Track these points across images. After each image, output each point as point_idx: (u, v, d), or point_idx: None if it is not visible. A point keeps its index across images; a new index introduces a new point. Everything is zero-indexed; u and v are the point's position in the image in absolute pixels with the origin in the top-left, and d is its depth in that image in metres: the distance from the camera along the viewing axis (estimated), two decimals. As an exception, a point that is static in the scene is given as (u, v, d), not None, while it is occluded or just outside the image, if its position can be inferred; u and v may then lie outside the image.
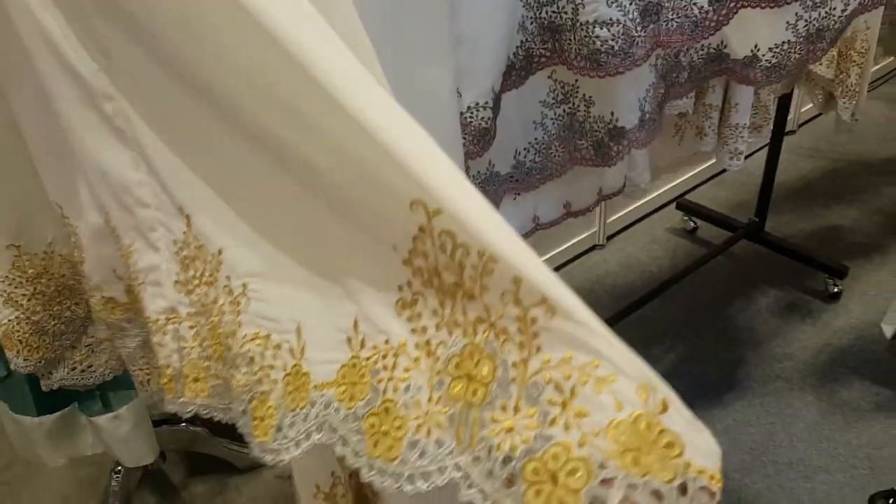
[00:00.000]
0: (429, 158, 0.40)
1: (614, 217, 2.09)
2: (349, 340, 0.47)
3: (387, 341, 0.45)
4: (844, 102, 1.51)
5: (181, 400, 0.59)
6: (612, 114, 0.81)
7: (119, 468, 1.41)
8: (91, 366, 0.88)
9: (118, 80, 0.51)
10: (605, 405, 0.36)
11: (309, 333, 0.49)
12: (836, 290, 1.82)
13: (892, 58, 2.61)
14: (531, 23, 0.76)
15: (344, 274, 0.46)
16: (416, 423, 0.42)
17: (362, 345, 0.46)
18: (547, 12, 0.75)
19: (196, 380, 0.59)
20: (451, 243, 0.39)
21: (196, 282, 0.56)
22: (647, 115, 0.82)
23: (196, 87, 0.45)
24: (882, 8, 1.40)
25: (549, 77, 0.87)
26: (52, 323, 0.81)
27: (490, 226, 0.39)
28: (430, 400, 0.42)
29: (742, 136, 1.25)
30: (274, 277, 0.50)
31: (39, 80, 0.56)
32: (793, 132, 2.50)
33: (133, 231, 0.58)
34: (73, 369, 0.87)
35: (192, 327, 0.58)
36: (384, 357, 0.45)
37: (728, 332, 1.76)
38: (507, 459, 0.38)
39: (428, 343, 0.43)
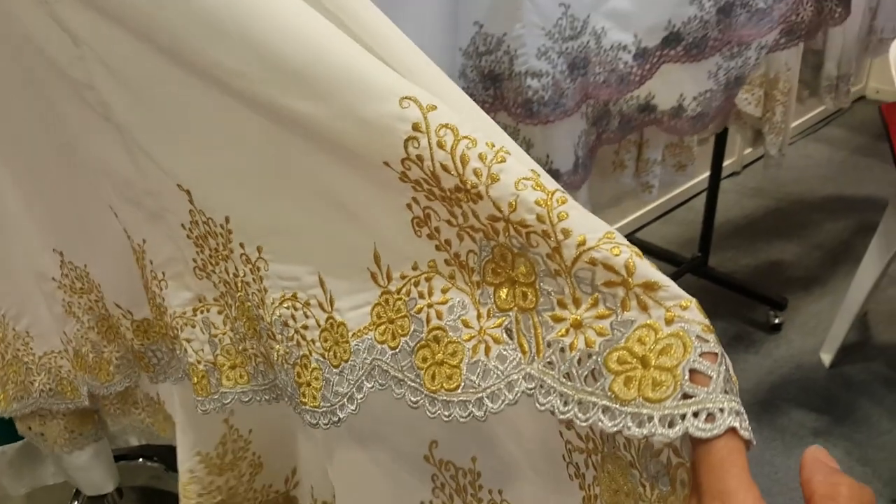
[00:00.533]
0: (420, 60, 0.38)
1: (568, 253, 2.16)
2: (374, 277, 0.43)
3: (415, 266, 0.41)
4: (772, 139, 1.61)
5: (221, 391, 0.56)
6: (548, 156, 0.88)
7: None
8: (43, 434, 0.89)
9: (92, 66, 0.48)
10: (670, 282, 0.33)
11: (332, 282, 0.46)
12: (777, 321, 1.91)
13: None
14: (472, 70, 0.83)
15: (350, 209, 0.43)
16: (471, 343, 0.39)
17: (389, 277, 0.43)
18: (487, 61, 0.82)
19: (233, 367, 0.55)
20: (454, 136, 0.35)
21: (213, 260, 0.53)
22: (580, 160, 0.89)
23: (170, 51, 0.41)
24: (801, 49, 1.51)
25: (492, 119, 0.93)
26: (10, 386, 0.80)
27: (494, 126, 0.37)
28: (479, 316, 0.39)
29: (653, 171, 1.34)
30: (284, 234, 0.48)
31: (42, 91, 0.54)
32: (737, 173, 2.62)
33: (145, 224, 0.55)
34: (29, 429, 0.89)
35: (220, 311, 0.55)
36: (417, 284, 0.41)
37: (676, 363, 1.83)
38: (584, 357, 0.34)
39: (457, 256, 0.39)
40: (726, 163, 2.37)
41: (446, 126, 0.35)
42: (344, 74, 0.35)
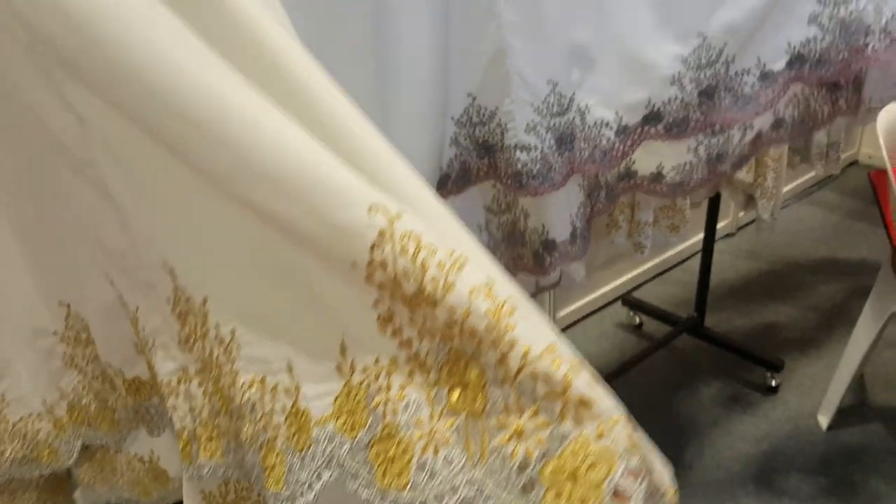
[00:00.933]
0: (389, 160, 0.40)
1: (564, 312, 2.19)
2: (339, 367, 0.46)
3: (377, 360, 0.44)
4: (764, 203, 1.65)
5: (198, 462, 0.58)
6: (544, 226, 0.90)
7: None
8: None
9: (93, 145, 0.51)
10: (605, 397, 0.35)
11: (300, 369, 0.48)
12: (773, 383, 1.92)
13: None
14: (465, 139, 0.86)
15: (322, 301, 0.45)
16: (421, 443, 0.41)
17: (352, 369, 0.45)
18: (480, 131, 0.85)
19: (210, 439, 0.57)
20: (416, 245, 0.38)
21: (193, 337, 0.55)
22: (579, 231, 0.92)
23: (166, 146, 0.44)
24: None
25: (492, 186, 0.97)
26: None
27: (459, 230, 0.40)
28: (431, 416, 0.41)
29: (645, 232, 1.38)
30: (258, 318, 0.50)
31: (38, 163, 0.57)
32: (732, 235, 2.66)
33: (138, 293, 0.58)
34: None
35: (200, 384, 0.58)
36: (377, 378, 0.44)
37: (672, 424, 1.83)
38: (523, 466, 0.37)
39: (417, 355, 0.42)
40: (720, 224, 2.41)
41: (410, 234, 0.38)
42: (318, 181, 0.39)
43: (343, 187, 0.39)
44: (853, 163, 3.17)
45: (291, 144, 0.39)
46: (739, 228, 2.69)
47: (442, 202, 0.42)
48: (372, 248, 0.39)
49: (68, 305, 0.70)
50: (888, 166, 1.49)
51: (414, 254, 0.38)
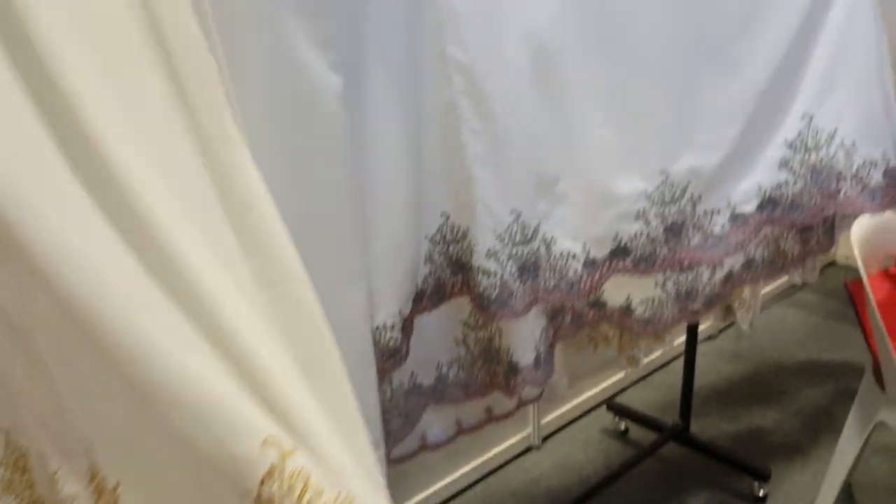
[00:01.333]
0: (298, 394, 0.42)
1: (548, 418, 2.16)
2: None
3: None
4: (742, 314, 1.67)
5: None
6: (509, 348, 0.91)
7: None
8: None
9: (26, 320, 0.52)
10: None
11: None
12: (761, 493, 1.87)
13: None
14: (439, 256, 0.88)
15: None
16: None
17: None
18: (454, 249, 0.87)
19: None
20: (303, 484, 0.39)
21: None
22: (542, 356, 0.92)
23: (86, 342, 0.45)
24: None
25: (469, 301, 0.98)
26: None
27: (351, 466, 0.40)
28: None
29: (638, 345, 1.38)
30: None
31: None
32: (713, 337, 2.67)
33: (58, 455, 0.60)
34: None
35: None
36: None
37: (660, 537, 1.78)
38: None
39: None
40: (702, 327, 2.42)
41: (299, 473, 0.39)
42: (221, 412, 0.40)
43: (242, 420, 0.40)
44: (831, 263, 3.21)
45: (207, 381, 0.41)
46: (721, 331, 2.70)
47: (340, 437, 0.43)
48: (262, 482, 0.40)
49: (7, 431, 0.70)
50: (864, 277, 1.52)
51: (300, 495, 0.39)
